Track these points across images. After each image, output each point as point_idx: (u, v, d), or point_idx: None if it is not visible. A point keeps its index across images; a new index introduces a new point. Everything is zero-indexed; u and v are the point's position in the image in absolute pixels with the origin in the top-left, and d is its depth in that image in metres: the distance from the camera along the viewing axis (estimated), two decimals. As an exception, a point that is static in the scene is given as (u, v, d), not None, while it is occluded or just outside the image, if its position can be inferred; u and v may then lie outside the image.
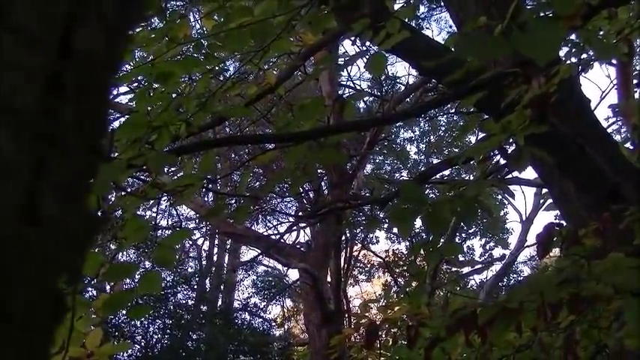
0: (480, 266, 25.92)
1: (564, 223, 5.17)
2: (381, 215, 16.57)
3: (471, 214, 3.94)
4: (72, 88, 0.74)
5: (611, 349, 3.90)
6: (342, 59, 17.88)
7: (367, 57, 4.38)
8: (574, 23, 3.21)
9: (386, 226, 23.00)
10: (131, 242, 4.32)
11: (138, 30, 4.99)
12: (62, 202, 0.74)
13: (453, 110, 19.57)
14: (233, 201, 16.68)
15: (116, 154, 4.05)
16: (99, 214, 3.75)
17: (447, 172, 19.45)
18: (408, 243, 23.49)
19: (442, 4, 14.45)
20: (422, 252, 4.42)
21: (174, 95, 4.70)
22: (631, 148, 11.23)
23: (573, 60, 5.05)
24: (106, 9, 0.80)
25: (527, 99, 4.00)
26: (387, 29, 4.36)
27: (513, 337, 4.51)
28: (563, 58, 4.63)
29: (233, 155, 20.61)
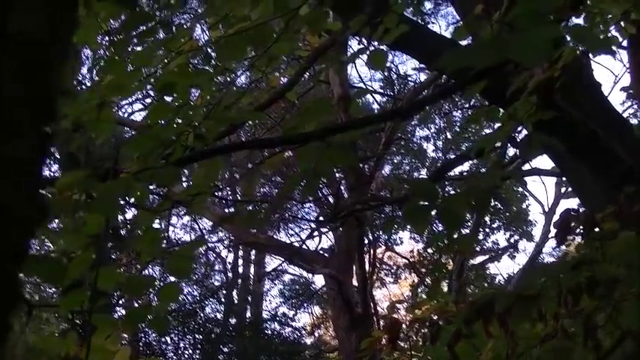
0: (492, 254, 25.86)
1: (582, 209, 5.13)
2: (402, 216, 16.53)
3: (484, 205, 3.90)
4: (9, 68, 0.72)
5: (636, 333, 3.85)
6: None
7: (367, 53, 4.37)
8: (562, 16, 3.17)
9: (409, 226, 22.97)
10: (147, 255, 4.31)
11: (139, 43, 4.99)
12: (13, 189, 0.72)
13: (467, 105, 19.54)
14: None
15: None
16: (109, 231, 3.74)
17: (466, 168, 19.45)
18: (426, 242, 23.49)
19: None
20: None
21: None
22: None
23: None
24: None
25: (531, 85, 3.97)
26: (385, 24, 4.34)
27: (540, 329, 4.46)
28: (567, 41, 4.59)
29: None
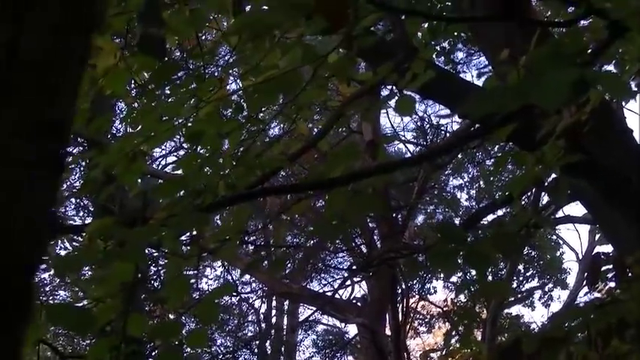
0: (526, 302, 25.71)
1: (613, 253, 5.11)
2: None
3: (512, 249, 3.89)
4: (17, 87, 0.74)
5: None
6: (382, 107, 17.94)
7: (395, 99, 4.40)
8: (586, 59, 3.18)
9: (440, 274, 22.87)
10: (174, 302, 4.33)
11: (171, 94, 5.04)
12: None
13: (500, 154, 19.51)
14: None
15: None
16: (139, 277, 3.77)
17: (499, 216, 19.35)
18: (465, 291, 23.37)
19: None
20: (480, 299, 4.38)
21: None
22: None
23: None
24: (52, 11, 0.80)
25: (559, 129, 3.98)
26: (412, 70, 4.37)
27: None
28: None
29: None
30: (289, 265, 20.49)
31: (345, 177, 3.83)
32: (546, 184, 4.33)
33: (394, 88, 4.76)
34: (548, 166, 4.11)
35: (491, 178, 20.96)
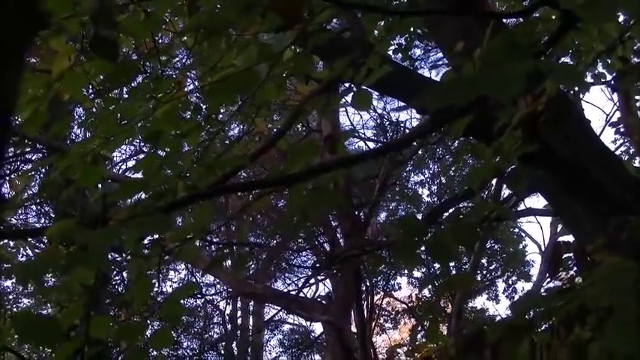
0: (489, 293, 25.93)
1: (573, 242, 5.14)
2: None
3: (473, 241, 3.91)
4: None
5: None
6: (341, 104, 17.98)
7: (352, 95, 4.41)
8: (540, 49, 3.21)
9: (406, 271, 22.97)
10: (138, 303, 4.31)
11: (129, 97, 5.02)
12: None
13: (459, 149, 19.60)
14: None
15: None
16: (101, 280, 3.76)
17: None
18: (429, 285, 23.50)
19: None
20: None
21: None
22: (638, 165, 11.21)
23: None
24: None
25: (516, 119, 4.01)
26: (368, 65, 4.38)
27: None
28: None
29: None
30: (253, 266, 20.51)
31: (304, 172, 3.84)
32: (505, 175, 4.35)
33: (351, 84, 4.77)
34: (506, 157, 4.14)
35: (451, 172, 21.07)
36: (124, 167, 20.72)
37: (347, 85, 5.63)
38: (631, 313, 2.38)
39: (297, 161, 4.09)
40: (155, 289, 5.15)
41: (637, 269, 3.15)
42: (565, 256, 4.49)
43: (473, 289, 23.32)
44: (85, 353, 3.40)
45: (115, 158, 18.75)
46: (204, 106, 5.05)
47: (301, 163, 4.01)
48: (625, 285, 3.06)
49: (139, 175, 4.63)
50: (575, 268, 4.48)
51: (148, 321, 17.29)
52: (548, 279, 23.66)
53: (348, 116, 24.70)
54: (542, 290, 23.93)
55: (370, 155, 7.57)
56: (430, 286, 22.91)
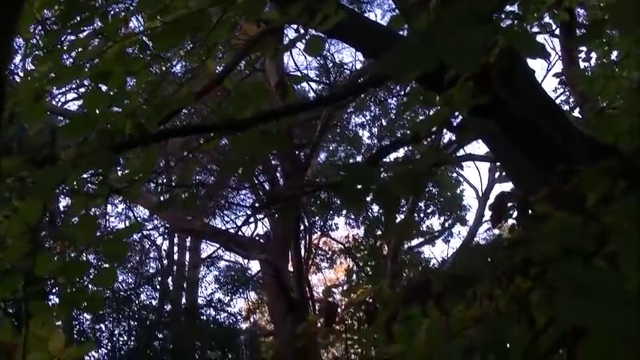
0: (427, 238, 26.17)
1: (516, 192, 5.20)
2: (338, 202, 16.68)
3: (419, 189, 3.94)
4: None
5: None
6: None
7: (305, 40, 4.39)
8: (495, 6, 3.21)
9: (344, 212, 23.07)
10: (82, 241, 4.30)
11: (75, 33, 4.95)
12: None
13: (403, 93, 19.65)
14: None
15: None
16: (45, 218, 3.73)
17: (402, 155, 19.53)
18: (366, 227, 23.67)
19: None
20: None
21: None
22: (579, 116, 11.33)
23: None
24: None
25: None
26: (323, 11, 4.36)
27: (476, 310, 4.51)
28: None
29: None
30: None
31: (255, 118, 3.84)
32: (455, 124, 4.38)
33: (302, 28, 4.75)
34: (457, 108, 4.15)
35: (396, 117, 21.12)
36: (63, 100, 20.49)
37: (294, 28, 5.60)
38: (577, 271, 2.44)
39: (246, 103, 4.08)
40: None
41: (583, 225, 3.21)
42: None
43: (416, 236, 23.58)
44: (27, 290, 3.40)
45: (53, 90, 18.49)
46: (151, 45, 5.00)
47: (251, 107, 4.00)
48: (573, 242, 3.11)
49: (81, 109, 4.59)
50: (515, 218, 4.53)
51: (84, 254, 17.21)
52: (485, 225, 23.98)
53: (292, 57, 24.62)
54: (480, 238, 24.27)
55: (320, 103, 7.54)
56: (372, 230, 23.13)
